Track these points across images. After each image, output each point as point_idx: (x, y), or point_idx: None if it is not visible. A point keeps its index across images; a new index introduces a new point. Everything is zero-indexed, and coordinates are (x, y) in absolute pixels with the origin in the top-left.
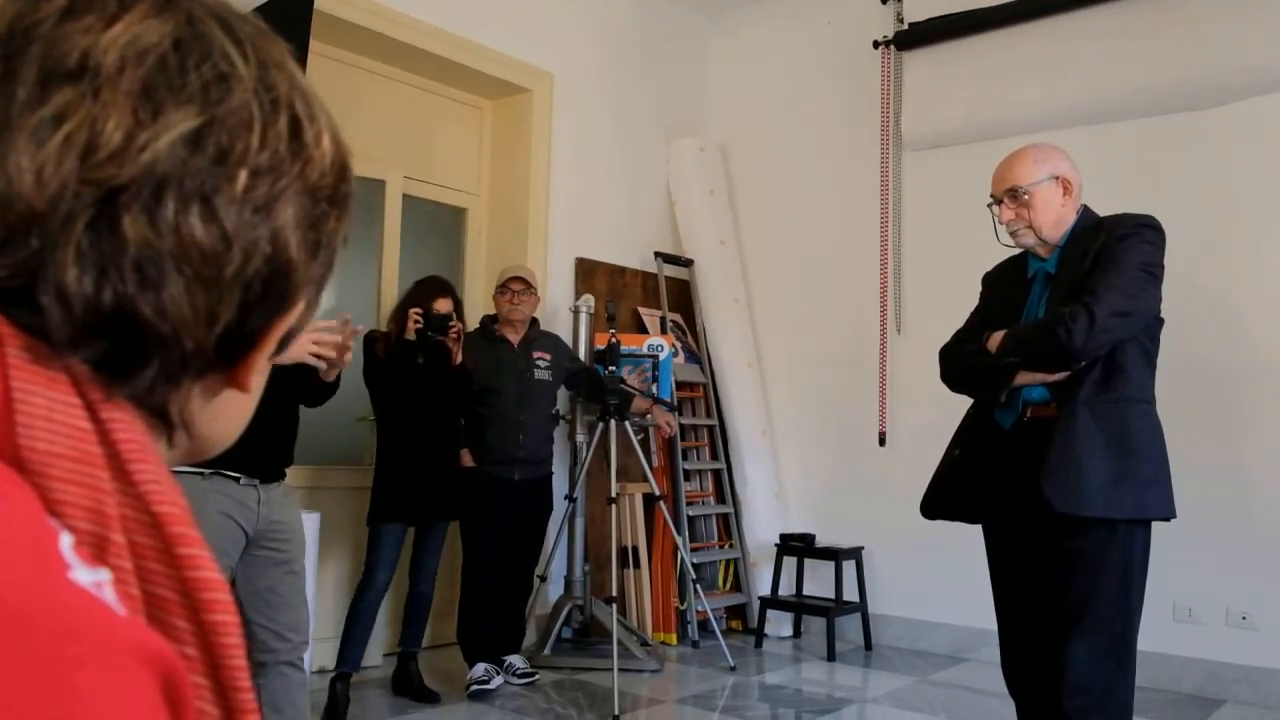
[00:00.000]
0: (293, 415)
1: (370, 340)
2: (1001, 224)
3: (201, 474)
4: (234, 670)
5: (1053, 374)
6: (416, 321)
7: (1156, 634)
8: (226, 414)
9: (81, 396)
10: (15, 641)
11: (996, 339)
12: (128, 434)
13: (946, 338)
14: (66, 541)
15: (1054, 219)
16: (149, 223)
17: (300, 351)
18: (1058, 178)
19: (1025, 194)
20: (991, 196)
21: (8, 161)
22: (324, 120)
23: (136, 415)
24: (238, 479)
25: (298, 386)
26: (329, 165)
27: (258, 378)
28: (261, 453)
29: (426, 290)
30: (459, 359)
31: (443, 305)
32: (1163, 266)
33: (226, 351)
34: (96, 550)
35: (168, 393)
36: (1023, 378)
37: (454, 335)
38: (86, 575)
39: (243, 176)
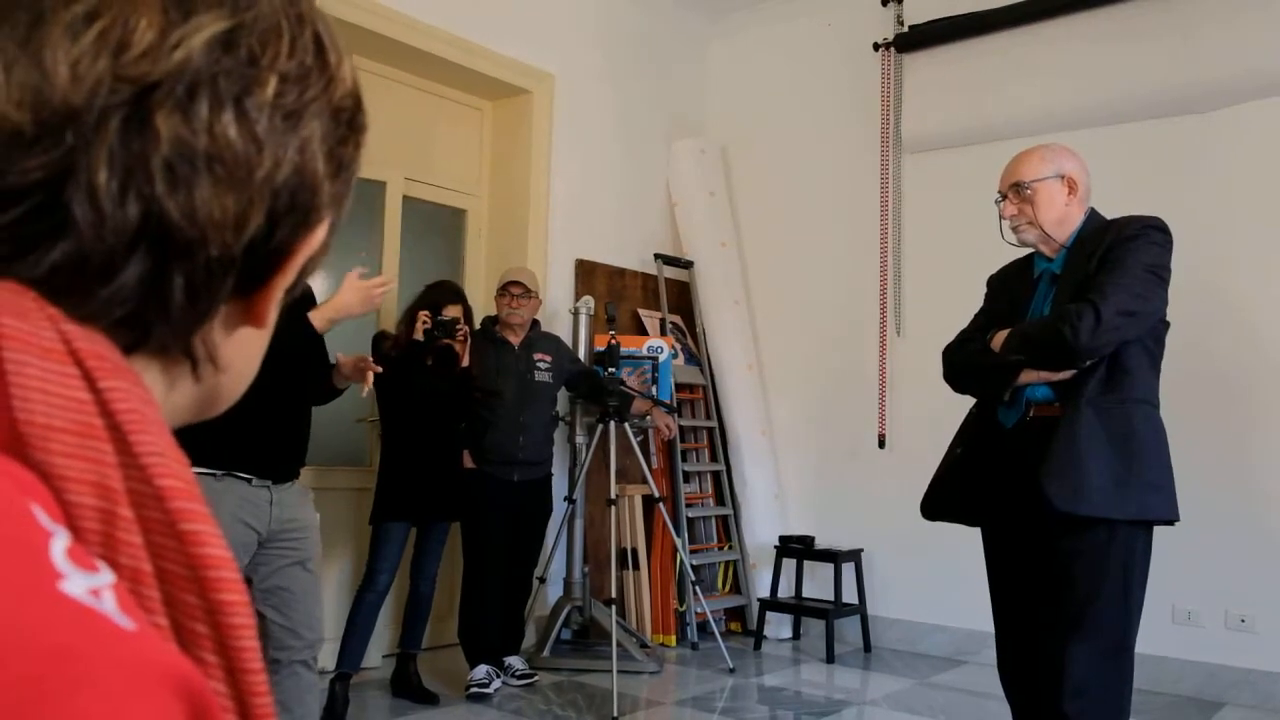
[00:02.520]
0: (305, 416)
1: (378, 340)
2: (1004, 219)
3: (214, 475)
4: (244, 651)
5: (1057, 372)
6: (425, 323)
7: (1156, 636)
8: (243, 354)
9: (78, 365)
10: (6, 663)
11: (1001, 337)
12: (127, 404)
13: (946, 340)
14: (60, 545)
15: (1057, 217)
16: (184, 120)
17: (356, 302)
18: (1063, 176)
19: (1028, 189)
20: (999, 193)
21: (43, 56)
22: (343, 49)
23: (138, 383)
24: (249, 480)
25: (310, 383)
26: (350, 89)
27: (273, 311)
28: (274, 454)
29: (437, 294)
30: (465, 362)
31: (451, 311)
32: (1169, 269)
33: (251, 269)
34: (105, 526)
35: (194, 321)
36: (1027, 376)
37: (461, 338)
38: (81, 583)
39: (273, 82)
